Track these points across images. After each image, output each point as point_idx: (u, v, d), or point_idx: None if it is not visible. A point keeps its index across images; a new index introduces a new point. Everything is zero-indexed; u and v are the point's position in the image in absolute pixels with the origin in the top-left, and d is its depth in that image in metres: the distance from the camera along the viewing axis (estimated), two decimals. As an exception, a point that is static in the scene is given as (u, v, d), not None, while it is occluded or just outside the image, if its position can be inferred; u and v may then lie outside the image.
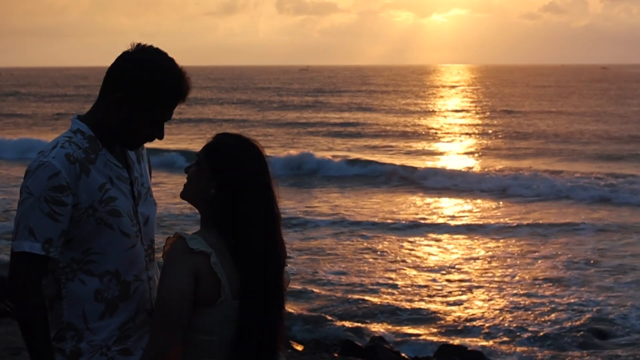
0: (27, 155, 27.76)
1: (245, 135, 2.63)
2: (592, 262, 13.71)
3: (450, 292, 12.06)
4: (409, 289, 12.18)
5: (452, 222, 17.47)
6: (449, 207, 19.52)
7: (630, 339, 10.03)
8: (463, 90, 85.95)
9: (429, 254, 14.51)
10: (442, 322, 10.52)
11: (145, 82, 2.54)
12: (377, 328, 10.24)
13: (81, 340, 2.57)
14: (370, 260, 13.91)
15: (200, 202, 2.57)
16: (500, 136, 36.54)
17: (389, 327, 10.38)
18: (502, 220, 17.58)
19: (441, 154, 31.18)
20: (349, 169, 25.26)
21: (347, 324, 10.38)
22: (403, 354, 8.79)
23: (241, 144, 2.58)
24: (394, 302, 11.54)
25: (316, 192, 21.93)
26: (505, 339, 10.10)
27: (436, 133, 39.01)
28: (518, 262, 13.77)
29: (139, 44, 2.60)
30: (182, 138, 35.20)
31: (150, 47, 2.60)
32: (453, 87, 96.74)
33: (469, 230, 16.52)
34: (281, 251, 2.59)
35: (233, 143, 2.58)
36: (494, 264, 13.67)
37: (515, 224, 16.97)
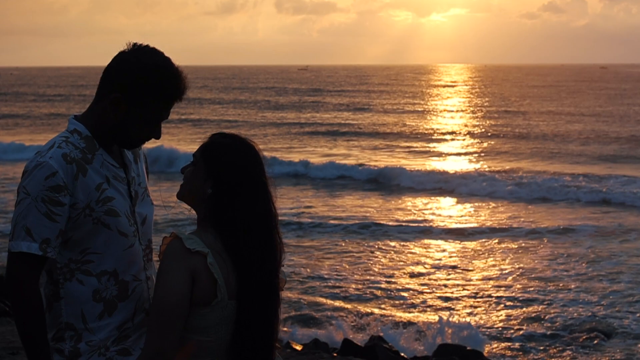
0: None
1: (242, 135, 2.63)
2: (589, 262, 13.72)
3: (448, 292, 12.07)
4: (406, 289, 12.19)
5: (449, 224, 17.47)
6: (445, 209, 19.53)
7: (626, 341, 10.03)
8: (462, 90, 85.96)
9: (426, 255, 14.51)
10: (440, 321, 10.52)
11: (142, 82, 2.53)
12: (375, 327, 10.25)
13: (80, 340, 2.56)
14: (366, 261, 13.92)
15: (196, 202, 2.57)
16: (498, 136, 36.54)
17: (388, 325, 10.38)
18: (498, 221, 17.58)
19: (439, 154, 31.17)
20: (345, 171, 25.21)
21: (345, 322, 10.38)
22: (402, 354, 8.79)
23: (237, 143, 2.58)
24: (392, 301, 11.55)
25: (311, 193, 21.91)
26: (503, 339, 10.11)
27: (434, 133, 39.00)
28: (515, 263, 13.77)
29: (135, 44, 2.59)
30: (181, 138, 35.20)
31: (147, 46, 2.59)
32: (452, 86, 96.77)
33: (466, 231, 16.52)
34: (278, 251, 2.59)
35: (229, 143, 2.57)
36: (491, 265, 13.67)
37: (512, 225, 16.98)
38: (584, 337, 10.05)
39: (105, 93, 2.58)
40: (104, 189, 2.57)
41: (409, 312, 11.11)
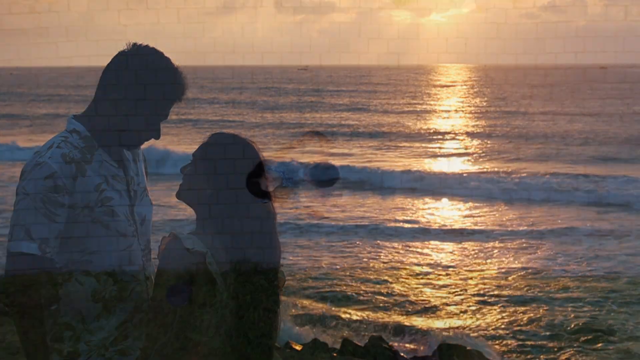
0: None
1: (241, 135, 2.63)
2: (589, 262, 13.72)
3: (447, 292, 12.07)
4: (406, 289, 12.19)
5: (448, 224, 17.46)
6: (444, 209, 19.51)
7: (626, 342, 10.03)
8: (461, 90, 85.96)
9: (425, 255, 14.50)
10: (440, 322, 10.53)
11: (141, 82, 2.53)
12: (374, 327, 10.25)
13: (79, 340, 2.56)
14: (364, 260, 13.91)
15: (195, 201, 2.57)
16: (498, 136, 36.52)
17: (387, 325, 10.38)
18: (498, 221, 17.57)
19: (438, 154, 31.15)
20: (343, 171, 25.18)
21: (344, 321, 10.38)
22: (402, 354, 8.78)
23: (237, 143, 2.58)
24: (391, 301, 11.54)
25: (310, 193, 21.90)
26: (502, 339, 10.11)
27: (433, 133, 38.97)
28: (515, 263, 13.77)
29: (134, 44, 2.59)
30: (180, 138, 35.18)
31: (146, 46, 2.59)
32: (451, 86, 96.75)
33: (465, 231, 16.51)
34: (276, 250, 2.59)
35: (228, 143, 2.57)
36: (490, 266, 13.67)
37: (511, 225, 16.97)
38: (584, 337, 10.05)
39: (104, 93, 2.58)
40: (103, 189, 2.56)
41: (409, 312, 11.10)
